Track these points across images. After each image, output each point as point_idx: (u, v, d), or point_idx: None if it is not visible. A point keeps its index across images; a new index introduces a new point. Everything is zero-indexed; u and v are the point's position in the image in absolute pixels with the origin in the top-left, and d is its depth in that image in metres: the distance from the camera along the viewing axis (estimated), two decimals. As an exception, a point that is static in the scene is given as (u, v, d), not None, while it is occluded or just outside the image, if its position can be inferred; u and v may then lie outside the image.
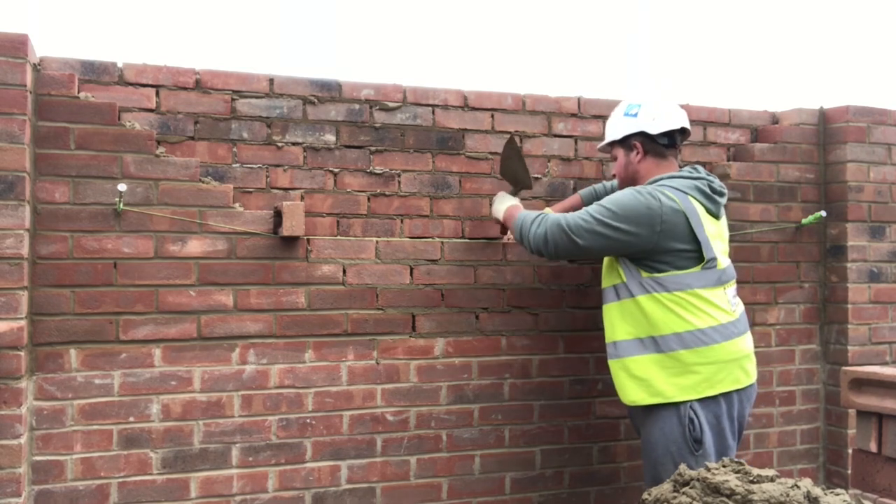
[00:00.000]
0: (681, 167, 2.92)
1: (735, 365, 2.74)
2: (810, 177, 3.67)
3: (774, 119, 3.73)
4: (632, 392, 2.77)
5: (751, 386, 2.82)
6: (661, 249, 2.68)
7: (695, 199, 2.74)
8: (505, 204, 3.03)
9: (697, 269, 2.70)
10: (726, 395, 2.73)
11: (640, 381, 2.74)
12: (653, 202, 2.66)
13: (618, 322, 2.79)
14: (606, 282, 2.87)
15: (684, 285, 2.69)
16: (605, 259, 2.89)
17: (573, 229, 2.70)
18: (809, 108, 3.71)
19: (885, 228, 3.68)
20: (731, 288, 2.83)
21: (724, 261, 2.80)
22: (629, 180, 2.90)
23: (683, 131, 2.92)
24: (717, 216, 2.84)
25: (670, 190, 2.72)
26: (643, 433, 2.83)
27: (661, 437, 2.72)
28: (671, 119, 2.85)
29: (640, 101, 2.89)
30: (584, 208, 2.78)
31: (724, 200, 2.89)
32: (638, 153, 2.86)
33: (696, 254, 2.70)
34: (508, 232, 3.11)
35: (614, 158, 2.95)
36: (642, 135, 2.84)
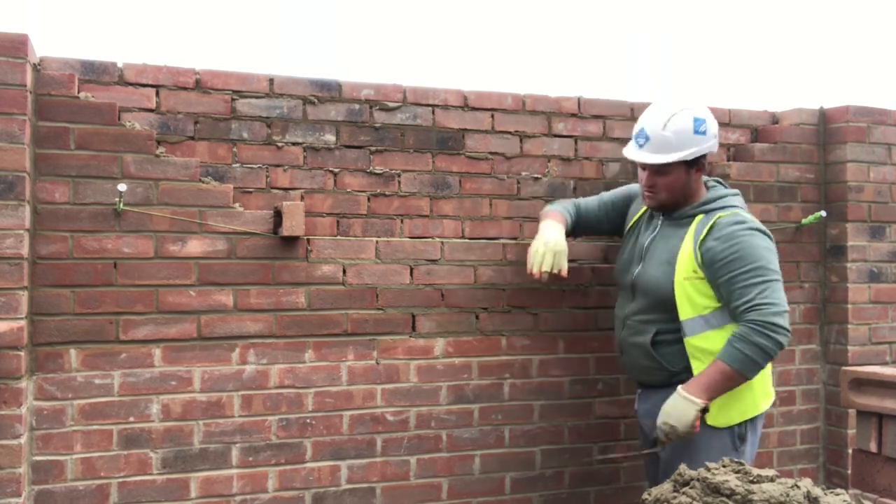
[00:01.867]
0: None
1: (769, 383, 2.84)
2: (810, 177, 3.67)
3: (774, 119, 3.73)
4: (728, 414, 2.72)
5: None
6: None
7: None
8: (689, 404, 2.59)
9: None
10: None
11: (739, 399, 2.70)
12: (769, 239, 2.72)
13: (676, 361, 2.74)
14: (690, 311, 2.69)
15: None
16: (685, 287, 2.70)
17: (783, 319, 2.58)
18: (809, 108, 3.70)
19: (885, 228, 3.68)
20: None
21: None
22: (681, 196, 2.78)
23: None
24: None
25: (748, 212, 2.80)
26: (687, 445, 2.68)
27: (707, 454, 2.61)
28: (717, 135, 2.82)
29: (702, 114, 2.74)
30: (766, 286, 2.58)
31: None
32: (699, 171, 2.79)
33: None
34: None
35: (663, 174, 2.71)
36: (705, 154, 2.77)
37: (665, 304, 2.74)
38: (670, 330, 2.75)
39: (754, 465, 2.58)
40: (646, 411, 2.87)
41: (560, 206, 3.06)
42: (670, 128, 2.69)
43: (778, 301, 2.59)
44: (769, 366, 2.74)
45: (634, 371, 2.92)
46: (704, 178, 2.87)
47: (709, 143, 2.75)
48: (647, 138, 2.72)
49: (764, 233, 2.71)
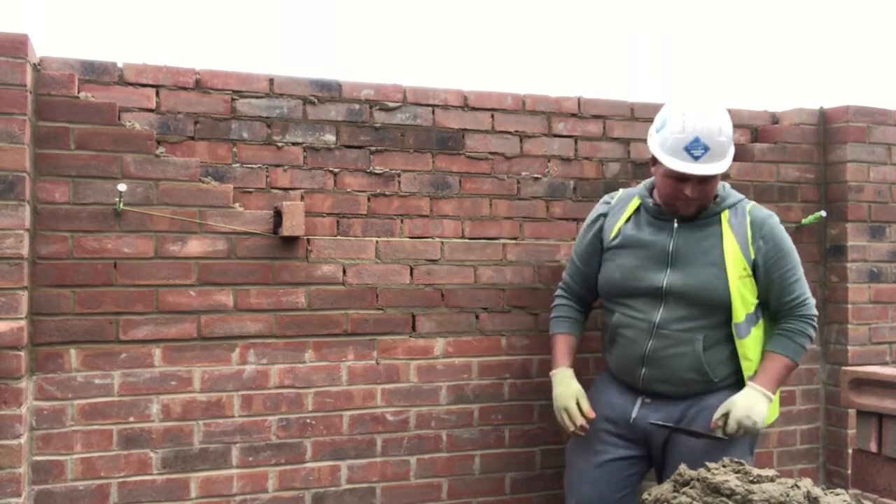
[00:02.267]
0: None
1: None
2: (810, 177, 3.67)
3: (774, 119, 3.73)
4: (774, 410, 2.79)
5: None
6: None
7: None
8: (764, 398, 2.64)
9: None
10: None
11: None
12: None
13: (760, 348, 2.74)
14: (742, 313, 2.67)
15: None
16: (739, 288, 2.66)
17: (815, 310, 2.76)
18: (809, 108, 3.70)
19: (885, 228, 3.68)
20: None
21: None
22: (713, 198, 2.73)
23: None
24: None
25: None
26: (710, 449, 2.63)
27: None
28: None
29: (728, 118, 2.66)
30: (802, 281, 2.73)
31: None
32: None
33: None
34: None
35: (707, 181, 2.62)
36: None
37: (717, 308, 2.65)
38: (718, 336, 2.67)
39: (754, 465, 2.58)
40: (660, 420, 2.71)
41: (561, 324, 2.93)
42: (725, 132, 2.60)
43: (810, 293, 2.76)
44: None
45: (667, 384, 2.70)
46: None
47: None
48: (706, 148, 2.56)
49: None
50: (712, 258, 2.66)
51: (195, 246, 2.78)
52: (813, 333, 2.73)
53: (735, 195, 2.80)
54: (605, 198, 2.96)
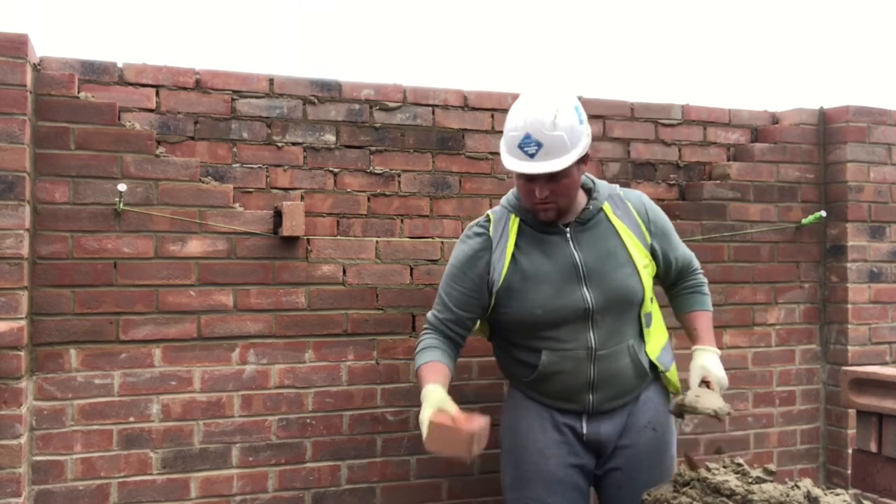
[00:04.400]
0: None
1: None
2: (810, 177, 3.67)
3: (774, 119, 3.73)
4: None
5: None
6: None
7: None
8: (718, 355, 2.65)
9: None
10: None
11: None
12: None
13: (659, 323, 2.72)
14: (650, 302, 2.59)
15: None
16: (648, 277, 2.54)
17: (695, 258, 2.80)
18: (809, 108, 3.71)
19: (885, 228, 3.68)
20: None
21: None
22: (575, 197, 2.47)
23: None
24: None
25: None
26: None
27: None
28: None
29: (574, 101, 2.39)
30: (682, 244, 2.72)
31: None
32: (586, 164, 2.46)
33: None
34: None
35: (560, 178, 2.35)
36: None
37: (634, 307, 2.49)
38: (637, 331, 2.53)
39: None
40: (614, 431, 2.53)
41: (429, 354, 2.48)
42: (560, 126, 2.30)
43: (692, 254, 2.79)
44: None
45: (616, 399, 2.52)
46: None
47: (589, 131, 2.41)
48: (539, 145, 2.29)
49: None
50: (621, 258, 2.47)
51: (195, 246, 2.78)
52: (706, 284, 2.78)
53: (605, 186, 2.57)
54: (475, 229, 2.54)
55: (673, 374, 2.66)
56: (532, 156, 2.31)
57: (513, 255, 2.47)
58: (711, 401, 2.43)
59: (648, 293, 2.53)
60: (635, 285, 2.48)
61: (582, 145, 2.36)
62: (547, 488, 2.52)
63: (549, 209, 2.41)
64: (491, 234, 2.51)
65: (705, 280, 2.78)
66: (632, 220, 2.54)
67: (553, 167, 2.31)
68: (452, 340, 2.55)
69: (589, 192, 2.53)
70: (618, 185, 2.64)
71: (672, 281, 2.73)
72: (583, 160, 2.41)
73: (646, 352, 2.56)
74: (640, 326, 2.55)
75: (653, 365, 2.58)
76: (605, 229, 2.50)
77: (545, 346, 2.46)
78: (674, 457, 2.63)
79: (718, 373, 2.57)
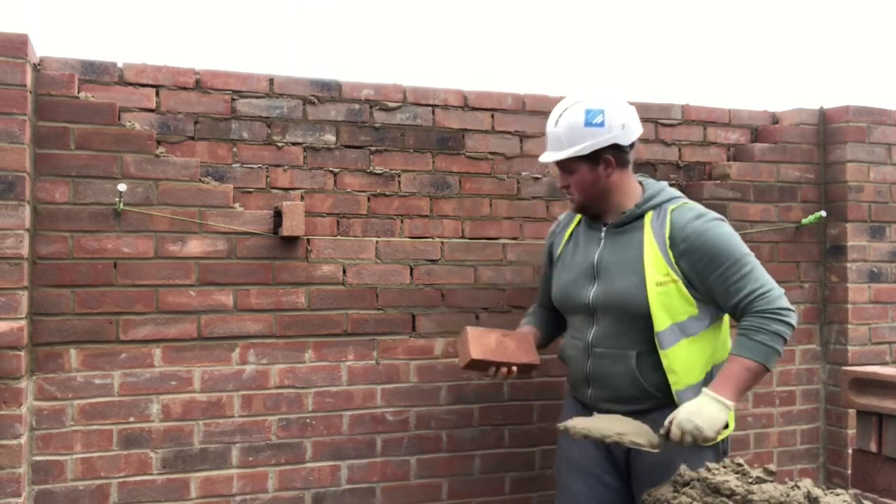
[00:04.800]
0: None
1: None
2: (810, 177, 3.67)
3: (774, 119, 3.73)
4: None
5: None
6: None
7: None
8: (720, 406, 2.37)
9: None
10: None
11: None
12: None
13: (696, 365, 2.50)
14: (667, 320, 2.46)
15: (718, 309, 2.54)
16: (658, 294, 2.47)
17: (786, 300, 2.44)
18: (809, 108, 3.71)
19: (885, 228, 3.68)
20: None
21: None
22: (598, 197, 2.58)
23: None
24: None
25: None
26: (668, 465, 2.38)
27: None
28: (637, 124, 2.59)
29: (599, 105, 2.51)
30: (753, 273, 2.43)
31: None
32: (611, 168, 2.54)
33: None
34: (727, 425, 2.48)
35: (570, 172, 2.56)
36: (614, 147, 2.52)
37: (639, 319, 2.47)
38: (649, 348, 2.48)
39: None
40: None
41: (525, 319, 2.94)
42: (561, 124, 2.52)
43: (773, 284, 2.45)
44: None
45: (613, 402, 2.54)
46: (639, 177, 2.65)
47: (608, 136, 2.49)
48: (547, 137, 2.59)
49: (723, 220, 2.56)
50: (633, 266, 2.50)
51: (195, 246, 2.78)
52: (780, 328, 2.39)
53: (664, 195, 2.59)
54: (559, 218, 2.91)
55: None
56: (546, 146, 2.62)
57: (565, 244, 2.75)
58: (608, 425, 2.37)
59: (661, 311, 2.46)
60: (637, 297, 2.47)
61: (580, 147, 2.50)
62: (571, 475, 2.67)
63: (570, 199, 2.66)
64: (562, 222, 2.85)
65: (771, 327, 2.39)
66: (661, 234, 2.50)
67: (546, 158, 2.61)
68: (548, 309, 2.88)
69: (651, 197, 2.58)
70: (685, 202, 2.58)
71: (731, 316, 2.53)
72: (600, 163, 2.53)
73: (661, 372, 2.47)
74: (653, 342, 2.48)
75: (667, 390, 2.48)
76: (636, 236, 2.54)
77: (568, 330, 2.74)
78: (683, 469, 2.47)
79: (684, 416, 2.33)
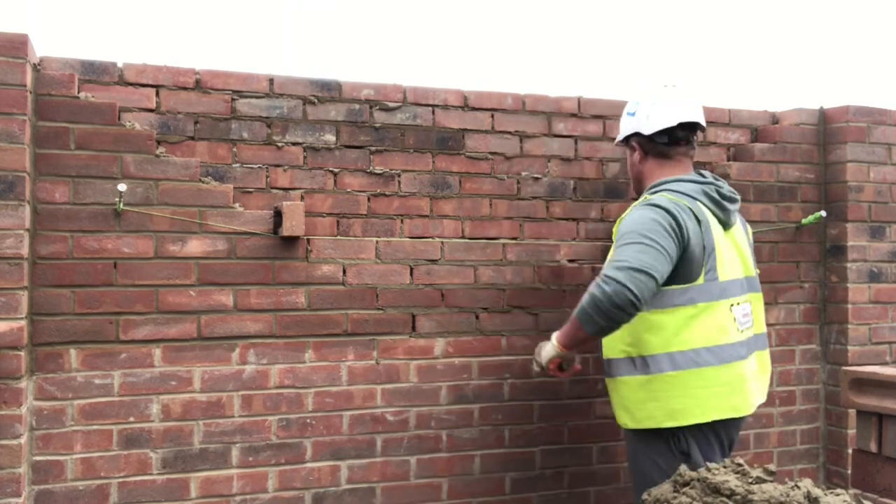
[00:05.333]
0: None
1: (731, 391, 2.56)
2: (810, 177, 3.67)
3: (774, 119, 3.73)
4: (621, 414, 2.69)
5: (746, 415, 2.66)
6: (679, 259, 2.50)
7: (704, 204, 2.61)
8: (550, 343, 2.71)
9: (700, 281, 2.53)
10: (720, 422, 2.58)
11: (628, 403, 2.64)
12: (665, 213, 2.50)
13: (615, 339, 2.64)
14: None
15: (686, 300, 2.53)
16: None
17: (648, 266, 2.40)
18: (809, 108, 3.70)
19: (885, 228, 3.68)
20: (743, 305, 2.65)
21: (731, 273, 2.61)
22: (635, 182, 2.87)
23: (691, 126, 2.73)
24: (726, 224, 2.66)
25: (677, 195, 2.59)
26: (634, 462, 2.69)
27: (654, 469, 2.57)
28: (667, 116, 2.67)
29: (640, 97, 2.79)
30: (619, 248, 2.48)
31: (734, 207, 2.71)
32: (638, 154, 2.79)
33: (700, 264, 2.53)
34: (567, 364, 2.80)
35: (624, 156, 3.03)
36: (638, 135, 2.76)
37: None
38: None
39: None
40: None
41: None
42: (623, 110, 2.89)
43: (625, 258, 2.43)
44: (724, 369, 2.54)
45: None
46: (690, 174, 2.72)
47: (634, 124, 2.76)
48: None
49: (660, 206, 2.52)
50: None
51: (195, 246, 2.78)
52: (594, 290, 2.44)
53: (657, 188, 2.69)
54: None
55: (623, 387, 2.65)
56: None
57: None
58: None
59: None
60: None
61: (620, 133, 2.87)
62: None
63: None
64: None
65: (592, 289, 2.47)
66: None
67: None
68: None
69: (648, 187, 2.77)
70: (670, 192, 2.63)
71: None
72: (633, 149, 2.82)
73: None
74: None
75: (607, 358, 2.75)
76: None
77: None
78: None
79: (535, 350, 2.83)
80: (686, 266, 2.52)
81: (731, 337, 2.58)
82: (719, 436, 2.62)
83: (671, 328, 2.55)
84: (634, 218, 2.54)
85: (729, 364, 2.56)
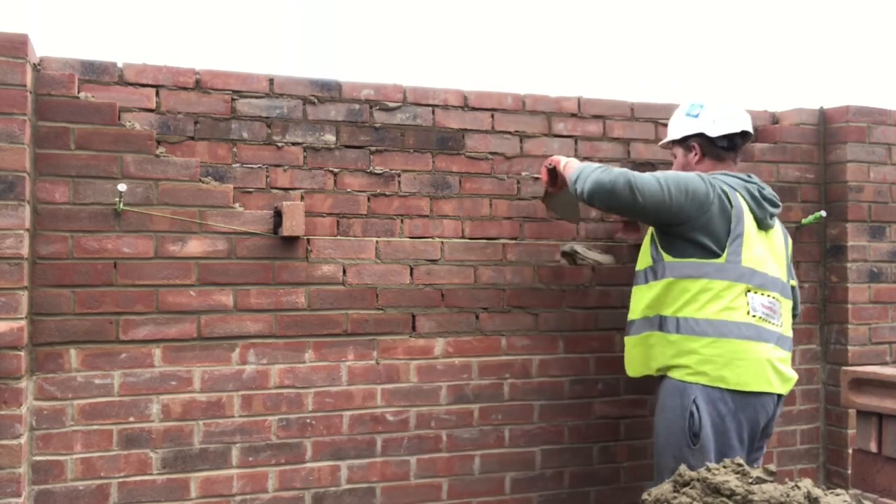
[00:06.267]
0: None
1: (753, 366, 2.71)
2: (810, 177, 3.67)
3: (774, 119, 3.73)
4: (634, 363, 2.92)
5: (772, 395, 2.78)
6: (699, 230, 2.71)
7: (743, 198, 2.80)
8: (575, 162, 2.95)
9: (721, 260, 2.72)
10: (736, 393, 2.70)
11: (643, 351, 2.86)
12: (709, 187, 2.73)
13: (639, 303, 2.87)
14: (640, 264, 2.93)
15: (702, 273, 2.72)
16: (644, 243, 2.93)
17: (640, 187, 2.67)
18: (809, 108, 3.70)
19: (885, 228, 3.68)
20: (764, 297, 2.78)
21: (757, 265, 2.77)
22: None
23: (745, 135, 2.97)
24: (763, 224, 2.85)
25: (723, 184, 2.79)
26: (656, 414, 2.88)
27: (664, 426, 2.78)
28: (732, 122, 2.91)
29: (702, 101, 2.94)
30: (649, 173, 2.76)
31: (775, 211, 2.91)
32: (696, 154, 2.94)
33: (723, 247, 2.73)
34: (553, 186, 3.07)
35: (673, 157, 3.03)
36: (701, 136, 2.91)
37: None
38: None
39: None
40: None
41: None
42: (673, 114, 3.03)
43: (640, 181, 2.69)
44: (722, 342, 2.70)
45: None
46: (740, 174, 2.90)
47: (698, 125, 2.90)
48: None
49: (702, 177, 2.77)
50: None
51: (195, 246, 2.78)
52: (593, 173, 2.73)
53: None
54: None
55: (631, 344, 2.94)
56: None
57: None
58: (595, 255, 3.23)
59: (639, 259, 2.98)
60: None
61: (674, 132, 2.99)
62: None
63: None
64: None
65: (606, 168, 2.77)
66: None
67: (660, 144, 3.22)
68: None
69: None
70: (720, 180, 2.84)
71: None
72: (688, 150, 2.96)
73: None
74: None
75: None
76: None
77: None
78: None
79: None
80: (706, 239, 2.73)
81: (737, 317, 2.72)
82: (738, 408, 2.72)
83: (684, 297, 2.75)
84: (684, 174, 2.80)
85: (749, 340, 2.71)
